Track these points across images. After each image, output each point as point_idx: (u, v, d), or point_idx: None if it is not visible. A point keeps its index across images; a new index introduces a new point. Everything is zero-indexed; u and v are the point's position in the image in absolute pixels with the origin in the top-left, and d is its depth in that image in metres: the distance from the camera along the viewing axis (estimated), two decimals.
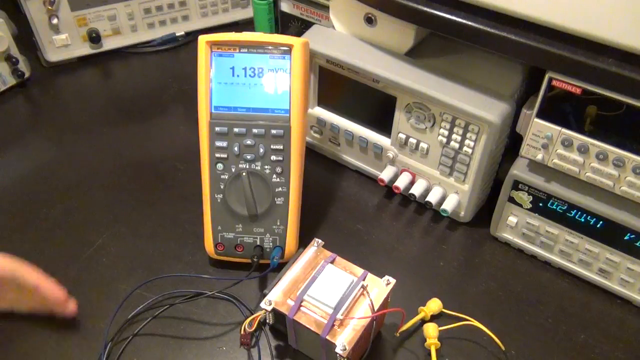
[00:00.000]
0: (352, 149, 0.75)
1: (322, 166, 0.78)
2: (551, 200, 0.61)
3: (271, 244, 0.63)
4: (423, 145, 0.67)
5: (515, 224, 0.65)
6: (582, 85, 0.52)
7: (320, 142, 0.78)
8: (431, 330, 0.57)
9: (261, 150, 0.62)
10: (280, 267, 0.59)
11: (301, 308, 0.53)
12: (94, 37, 0.92)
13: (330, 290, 0.53)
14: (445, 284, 0.64)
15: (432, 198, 0.68)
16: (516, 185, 0.63)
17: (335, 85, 0.72)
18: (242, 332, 0.55)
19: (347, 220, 0.71)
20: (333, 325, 0.52)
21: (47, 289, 0.56)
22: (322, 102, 0.75)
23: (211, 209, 0.63)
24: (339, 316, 0.52)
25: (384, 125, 0.70)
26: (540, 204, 0.62)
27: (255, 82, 0.62)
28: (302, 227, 0.65)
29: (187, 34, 1.00)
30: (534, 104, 0.57)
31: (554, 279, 0.65)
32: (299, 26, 0.82)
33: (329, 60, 0.69)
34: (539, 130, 0.58)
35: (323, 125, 0.76)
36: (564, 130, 0.56)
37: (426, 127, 0.66)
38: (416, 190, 0.69)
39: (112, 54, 0.96)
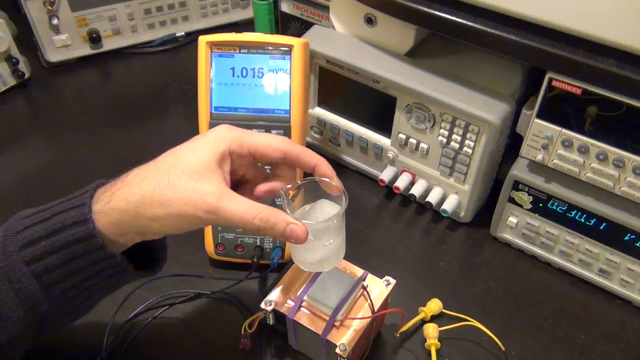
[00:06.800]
0: (352, 149, 0.75)
1: None
2: (551, 201, 0.61)
3: (271, 244, 0.63)
4: (423, 145, 0.67)
5: (515, 225, 0.65)
6: (582, 86, 0.52)
7: (320, 143, 0.78)
8: (431, 331, 0.57)
9: None
10: (280, 268, 0.59)
11: (301, 308, 0.53)
12: (94, 38, 0.92)
13: (330, 290, 0.53)
14: (446, 284, 0.64)
15: (432, 198, 0.68)
16: (516, 185, 0.63)
17: (335, 85, 0.72)
18: (242, 332, 0.55)
19: (347, 220, 0.71)
20: (333, 325, 0.52)
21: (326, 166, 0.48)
22: (322, 102, 0.75)
23: None
24: (339, 316, 0.52)
25: (384, 125, 0.70)
26: (541, 205, 0.62)
27: (256, 83, 0.62)
28: None
29: (187, 34, 1.00)
30: (534, 104, 0.57)
31: (554, 280, 0.65)
32: (299, 26, 0.82)
33: (329, 60, 0.69)
34: (539, 131, 0.58)
35: (323, 126, 0.76)
36: (564, 131, 0.56)
37: (426, 128, 0.66)
38: (416, 190, 0.69)
39: (112, 54, 0.96)
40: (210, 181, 0.43)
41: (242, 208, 0.43)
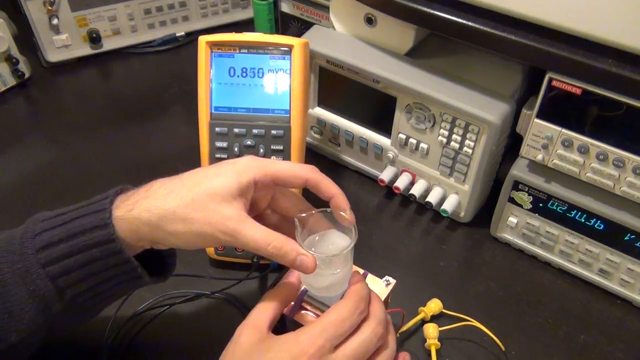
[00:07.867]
0: (352, 149, 0.75)
1: (322, 166, 0.76)
2: (551, 201, 0.61)
3: None
4: (423, 145, 0.67)
5: (515, 225, 0.65)
6: (582, 86, 0.52)
7: (320, 143, 0.78)
8: (431, 331, 0.57)
9: (261, 150, 0.62)
10: (280, 268, 0.59)
11: (301, 308, 0.53)
12: (94, 38, 0.92)
13: None
14: (446, 284, 0.64)
15: (432, 198, 0.68)
16: (516, 185, 0.63)
17: (335, 85, 0.72)
18: None
19: None
20: None
21: (342, 200, 0.49)
22: (322, 102, 0.75)
23: None
24: None
25: (384, 125, 0.70)
26: (541, 205, 0.62)
27: (256, 83, 0.62)
28: None
29: (187, 34, 1.00)
30: (534, 104, 0.57)
31: (554, 280, 0.65)
32: (299, 26, 0.82)
33: (329, 60, 0.69)
34: (539, 131, 0.58)
35: (323, 126, 0.76)
36: (564, 131, 0.56)
37: (426, 128, 0.66)
38: (416, 190, 0.69)
39: (112, 54, 0.96)
40: (232, 206, 0.44)
41: (258, 234, 0.44)
